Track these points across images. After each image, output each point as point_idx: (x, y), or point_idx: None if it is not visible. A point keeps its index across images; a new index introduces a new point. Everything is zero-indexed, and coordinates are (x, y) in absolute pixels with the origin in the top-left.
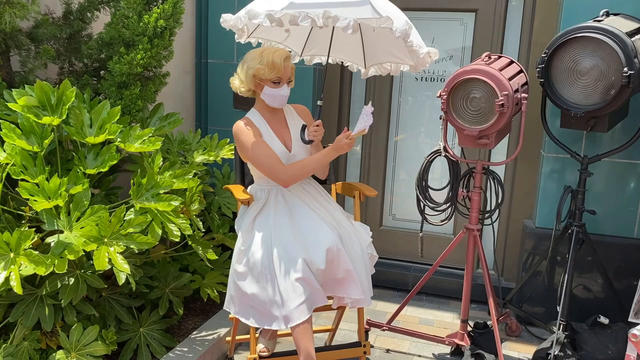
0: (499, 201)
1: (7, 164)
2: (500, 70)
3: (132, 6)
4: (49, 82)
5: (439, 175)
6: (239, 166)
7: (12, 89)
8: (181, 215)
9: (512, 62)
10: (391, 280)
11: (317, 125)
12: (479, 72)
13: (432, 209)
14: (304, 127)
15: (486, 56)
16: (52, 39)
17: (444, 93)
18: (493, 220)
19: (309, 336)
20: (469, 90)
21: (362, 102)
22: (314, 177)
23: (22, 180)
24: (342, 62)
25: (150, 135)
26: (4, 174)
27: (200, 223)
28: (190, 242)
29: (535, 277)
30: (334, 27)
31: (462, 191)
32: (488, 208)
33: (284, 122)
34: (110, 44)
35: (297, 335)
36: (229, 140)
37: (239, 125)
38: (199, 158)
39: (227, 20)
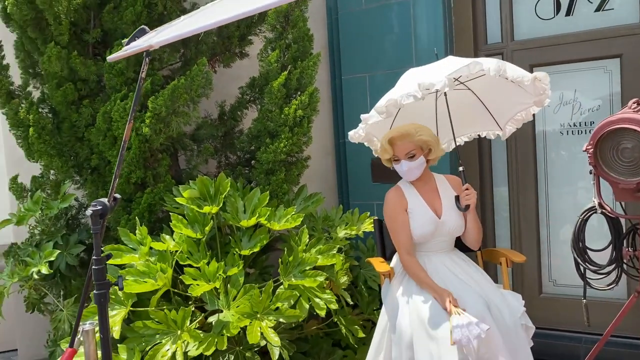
0: None
1: (176, 251)
2: None
3: (274, 101)
4: (209, 176)
5: (603, 234)
6: (379, 238)
7: (180, 185)
8: (327, 290)
9: None
10: (559, 354)
11: (467, 189)
12: (628, 120)
13: (594, 272)
14: (457, 198)
15: (634, 103)
16: (211, 138)
17: (589, 146)
18: None
19: None
20: (618, 141)
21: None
22: (461, 244)
23: (188, 265)
24: (479, 135)
25: (293, 213)
26: (174, 260)
27: (349, 297)
28: (335, 319)
29: None
30: (437, 107)
31: (628, 250)
32: None
33: (435, 190)
34: (257, 137)
35: None
36: (369, 213)
37: (389, 196)
38: (342, 233)
39: (352, 135)
